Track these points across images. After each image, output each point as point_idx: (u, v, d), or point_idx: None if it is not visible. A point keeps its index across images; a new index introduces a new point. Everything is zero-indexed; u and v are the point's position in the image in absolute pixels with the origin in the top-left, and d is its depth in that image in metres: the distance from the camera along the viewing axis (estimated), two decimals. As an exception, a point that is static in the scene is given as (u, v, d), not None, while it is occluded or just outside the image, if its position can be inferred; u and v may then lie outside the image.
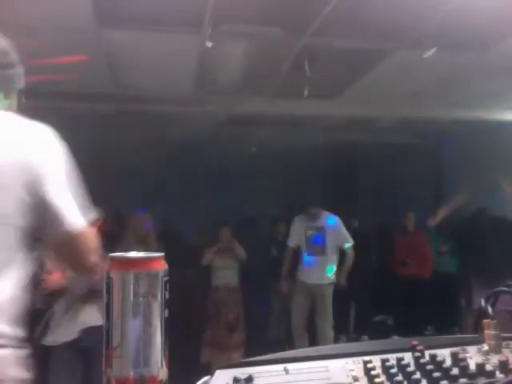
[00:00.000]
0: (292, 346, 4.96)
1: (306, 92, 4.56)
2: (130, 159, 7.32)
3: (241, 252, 5.07)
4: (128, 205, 5.87)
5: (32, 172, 1.13)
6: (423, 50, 3.84)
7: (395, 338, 3.93)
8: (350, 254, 5.24)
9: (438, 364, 0.89)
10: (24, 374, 1.14)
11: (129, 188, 7.07)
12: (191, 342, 4.77)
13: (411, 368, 0.89)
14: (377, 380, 0.86)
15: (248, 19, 3.50)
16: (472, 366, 0.88)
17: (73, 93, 4.78)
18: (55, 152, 1.19)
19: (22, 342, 1.16)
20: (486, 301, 1.08)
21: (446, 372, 0.86)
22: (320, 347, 1.13)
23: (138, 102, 5.20)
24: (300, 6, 3.25)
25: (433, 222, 5.42)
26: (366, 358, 0.94)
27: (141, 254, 0.76)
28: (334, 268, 5.20)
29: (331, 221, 5.25)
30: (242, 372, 0.90)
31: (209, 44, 3.59)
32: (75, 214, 1.19)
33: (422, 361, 0.91)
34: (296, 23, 3.54)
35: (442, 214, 5.23)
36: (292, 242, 5.24)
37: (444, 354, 0.94)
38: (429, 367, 0.87)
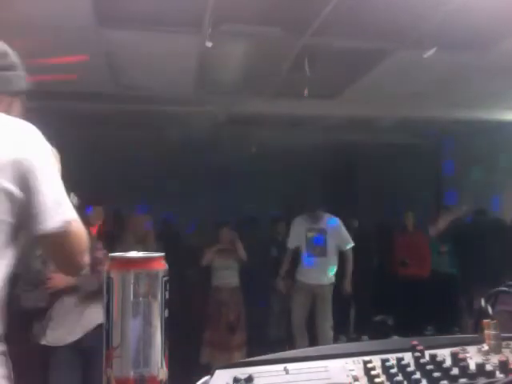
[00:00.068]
0: (292, 346, 4.96)
1: (306, 92, 4.56)
2: (130, 159, 7.33)
3: (242, 253, 5.05)
4: (128, 205, 5.87)
5: (21, 168, 1.12)
6: (423, 49, 3.84)
7: (395, 337, 3.92)
8: (350, 257, 5.25)
9: (437, 364, 0.89)
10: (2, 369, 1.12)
11: (129, 188, 7.07)
12: (191, 342, 4.77)
13: (411, 368, 0.89)
14: (377, 380, 0.86)
15: (248, 19, 3.50)
16: (472, 366, 0.88)
17: (73, 93, 4.78)
18: (43, 150, 1.19)
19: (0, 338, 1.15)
20: (486, 301, 1.08)
21: (445, 372, 0.86)
22: (320, 347, 1.13)
23: (137, 102, 5.20)
24: (300, 5, 3.24)
25: (434, 231, 5.43)
26: (366, 358, 0.94)
27: (141, 254, 0.76)
28: (335, 269, 5.21)
29: (332, 222, 5.25)
30: (242, 372, 0.90)
31: (209, 44, 3.59)
32: (61, 212, 1.17)
33: (421, 361, 0.91)
34: (296, 23, 3.54)
35: (442, 223, 5.23)
36: (291, 243, 5.23)
37: (444, 354, 0.94)
38: (429, 367, 0.87)
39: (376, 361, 0.93)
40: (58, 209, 1.17)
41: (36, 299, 2.76)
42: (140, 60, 4.25)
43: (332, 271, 5.19)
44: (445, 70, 4.43)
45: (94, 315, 2.77)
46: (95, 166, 6.71)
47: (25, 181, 1.13)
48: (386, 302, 6.13)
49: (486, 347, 1.01)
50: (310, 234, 5.16)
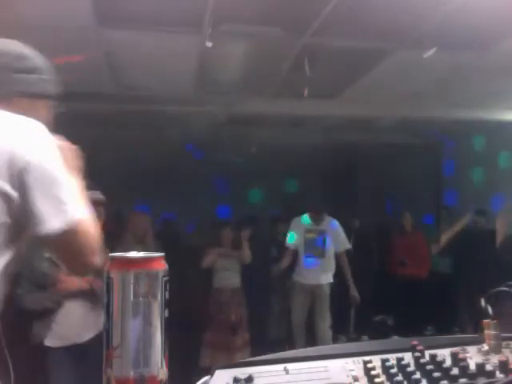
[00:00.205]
0: (292, 346, 4.97)
1: (306, 92, 4.56)
2: (130, 159, 7.32)
3: (248, 254, 5.03)
4: (127, 205, 5.87)
5: (18, 167, 1.11)
6: (423, 49, 3.83)
7: (395, 337, 3.93)
8: (346, 261, 5.29)
9: (437, 364, 0.90)
10: None
11: (128, 188, 7.07)
12: (191, 342, 4.76)
13: (411, 368, 0.89)
14: (377, 380, 0.86)
15: (248, 19, 3.49)
16: (472, 366, 0.88)
17: (73, 93, 4.77)
18: (43, 148, 1.17)
19: None
20: (486, 301, 1.08)
21: (445, 372, 0.86)
22: (320, 347, 1.13)
23: (137, 102, 5.20)
24: (300, 5, 3.24)
25: (436, 249, 5.45)
26: (366, 358, 0.94)
27: (141, 254, 0.76)
28: (333, 269, 5.24)
29: (331, 223, 5.28)
30: (242, 372, 0.90)
31: (209, 44, 3.59)
32: (64, 212, 1.14)
33: (421, 361, 0.91)
34: (296, 23, 3.53)
35: (444, 239, 5.23)
36: (290, 242, 5.25)
37: (444, 354, 0.94)
38: (429, 367, 0.87)
39: (376, 361, 0.93)
40: (61, 208, 1.14)
41: (39, 300, 2.76)
42: (140, 60, 4.24)
43: (330, 271, 5.22)
44: (445, 70, 4.43)
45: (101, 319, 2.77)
46: (95, 166, 6.69)
47: (21, 180, 1.11)
48: (385, 302, 6.13)
49: (485, 347, 1.01)
50: (309, 235, 5.18)
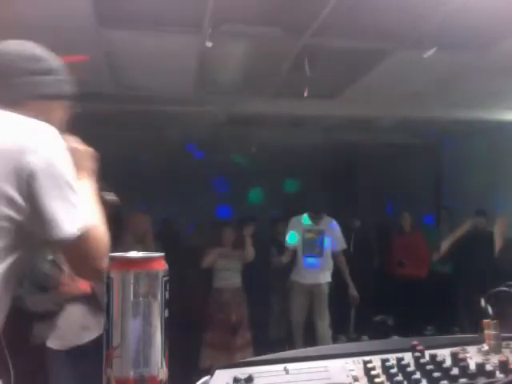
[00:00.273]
0: (292, 346, 4.97)
1: (305, 92, 4.56)
2: (130, 159, 7.32)
3: (251, 252, 5.01)
4: (127, 205, 5.86)
5: (26, 173, 1.09)
6: (423, 50, 3.84)
7: (395, 337, 3.93)
8: (343, 260, 5.34)
9: (438, 364, 0.90)
10: None
11: (128, 188, 7.07)
12: (191, 342, 4.76)
13: (411, 368, 0.89)
14: (377, 380, 0.86)
15: (248, 19, 3.49)
16: (472, 366, 0.88)
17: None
18: (53, 153, 1.14)
19: None
20: (486, 301, 1.08)
21: (446, 372, 0.86)
22: (320, 347, 1.13)
23: (137, 102, 5.20)
24: (300, 6, 3.24)
25: (437, 256, 5.44)
26: (366, 358, 0.94)
27: (141, 254, 0.76)
28: (331, 268, 5.26)
29: (330, 223, 5.30)
30: (242, 372, 0.90)
31: (209, 44, 3.59)
32: (74, 218, 1.13)
33: (422, 361, 0.91)
34: (296, 23, 3.53)
35: (445, 245, 5.22)
36: (289, 242, 5.27)
37: (444, 354, 0.94)
38: (429, 367, 0.87)
39: (376, 361, 0.93)
40: (73, 213, 1.13)
41: (41, 302, 2.76)
42: (140, 60, 4.24)
43: (329, 271, 5.25)
44: (445, 70, 4.43)
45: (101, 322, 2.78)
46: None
47: (31, 186, 1.09)
48: (385, 302, 6.13)
49: (485, 347, 1.01)
50: (308, 235, 5.20)
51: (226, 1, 3.14)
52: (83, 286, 2.81)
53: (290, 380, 0.90)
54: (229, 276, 5.04)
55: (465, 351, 0.99)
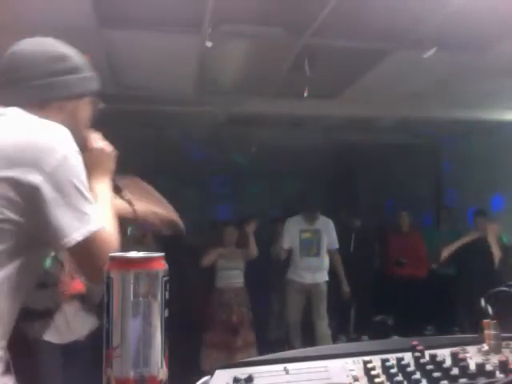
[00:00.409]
0: (291, 346, 4.98)
1: (305, 92, 4.56)
2: (130, 159, 7.30)
3: (254, 249, 5.00)
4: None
5: (30, 178, 1.07)
6: (423, 50, 3.84)
7: (395, 337, 3.93)
8: (338, 259, 5.40)
9: (437, 364, 0.90)
10: None
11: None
12: (192, 342, 4.75)
13: (411, 368, 0.89)
14: (377, 380, 0.86)
15: (248, 19, 3.49)
16: (472, 366, 0.88)
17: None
18: (62, 157, 1.12)
19: None
20: (486, 301, 1.08)
21: (446, 372, 0.86)
22: (320, 347, 1.13)
23: (138, 102, 5.20)
24: (300, 6, 3.24)
25: (437, 262, 5.43)
26: (366, 358, 0.94)
27: (141, 254, 0.76)
28: (327, 267, 5.31)
29: (325, 222, 5.34)
30: (241, 372, 0.90)
31: (209, 44, 3.59)
32: (84, 224, 1.11)
33: (422, 361, 0.91)
34: (296, 23, 3.54)
35: (446, 253, 5.20)
36: (286, 243, 5.28)
37: (444, 354, 0.94)
38: (429, 367, 0.87)
39: (376, 361, 0.93)
40: (82, 219, 1.12)
41: (41, 299, 2.76)
42: (140, 60, 4.25)
43: (326, 269, 5.29)
44: (445, 71, 4.43)
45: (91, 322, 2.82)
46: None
47: (35, 195, 1.07)
48: (385, 302, 6.13)
49: (485, 347, 1.01)
50: (305, 235, 5.24)
51: (226, 1, 3.14)
52: (78, 285, 2.83)
53: (289, 380, 0.90)
54: (232, 275, 5.01)
55: (465, 351, 0.99)
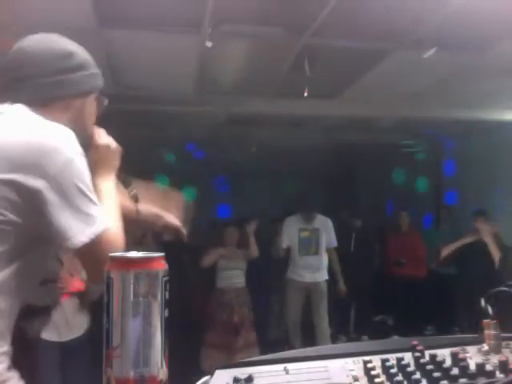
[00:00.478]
0: (291, 346, 4.98)
1: (305, 92, 4.56)
2: (130, 159, 7.31)
3: (255, 250, 5.00)
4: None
5: (33, 180, 1.06)
6: (423, 50, 3.84)
7: (395, 337, 3.93)
8: (335, 259, 5.42)
9: (437, 364, 0.90)
10: None
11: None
12: (192, 342, 4.74)
13: (411, 368, 0.89)
14: (377, 380, 0.86)
15: (248, 19, 3.49)
16: (472, 366, 0.88)
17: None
18: (66, 159, 1.11)
19: None
20: (486, 301, 1.08)
21: (446, 372, 0.86)
22: (320, 347, 1.13)
23: (138, 102, 5.20)
24: (300, 6, 3.24)
25: (437, 261, 5.41)
26: (366, 358, 0.94)
27: (141, 254, 0.76)
28: (326, 266, 5.33)
29: (323, 221, 5.36)
30: (241, 372, 0.90)
31: (209, 44, 3.59)
32: (88, 226, 1.11)
33: (422, 361, 0.91)
34: (296, 23, 3.53)
35: (445, 252, 5.18)
36: (285, 243, 5.30)
37: (444, 354, 0.94)
38: (429, 367, 0.87)
39: (376, 361, 0.93)
40: (87, 221, 1.11)
41: (40, 296, 2.76)
42: (140, 60, 4.24)
43: (325, 268, 5.31)
44: (445, 71, 4.43)
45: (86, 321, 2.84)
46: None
47: (38, 197, 1.07)
48: (385, 302, 6.13)
49: (485, 347, 1.01)
50: (304, 234, 5.26)
51: (226, 1, 3.14)
52: (78, 283, 2.83)
53: (289, 380, 0.90)
54: (233, 276, 5.00)
55: (465, 351, 0.99)
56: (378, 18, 3.37)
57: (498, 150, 6.27)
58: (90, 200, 1.14)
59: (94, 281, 1.26)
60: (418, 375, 0.86)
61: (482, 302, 1.08)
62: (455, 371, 0.86)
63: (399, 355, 0.93)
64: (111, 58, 4.10)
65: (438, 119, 6.12)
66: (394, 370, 0.88)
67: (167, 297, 0.76)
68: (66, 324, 2.86)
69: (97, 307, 2.73)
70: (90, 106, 1.36)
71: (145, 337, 0.73)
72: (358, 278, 5.76)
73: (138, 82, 4.78)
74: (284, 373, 0.93)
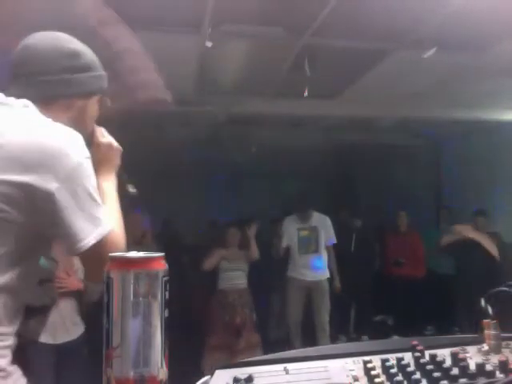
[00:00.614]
0: (292, 345, 4.98)
1: (305, 92, 4.56)
2: (130, 159, 7.30)
3: (255, 251, 4.99)
4: (127, 205, 5.85)
5: (43, 183, 1.06)
6: (423, 50, 3.84)
7: (395, 337, 3.93)
8: (333, 257, 5.43)
9: (437, 364, 0.90)
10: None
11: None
12: (192, 342, 4.74)
13: (411, 368, 0.89)
14: (377, 380, 0.86)
15: (248, 19, 3.49)
16: (472, 366, 0.88)
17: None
18: (74, 163, 1.11)
19: None
20: (486, 301, 1.08)
21: (446, 372, 0.86)
22: (320, 347, 1.13)
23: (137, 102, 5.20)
24: (300, 6, 3.24)
25: (438, 249, 5.38)
26: (366, 358, 0.94)
27: (141, 254, 0.76)
28: (326, 263, 5.34)
29: (322, 219, 5.37)
30: (242, 372, 0.90)
31: (209, 44, 3.59)
32: (94, 228, 1.12)
33: (422, 361, 0.91)
34: (296, 23, 3.54)
35: (445, 241, 5.15)
36: (284, 242, 5.31)
37: (444, 354, 0.94)
38: (429, 367, 0.87)
39: (376, 361, 0.93)
40: (95, 223, 1.13)
41: (37, 295, 2.76)
42: (140, 60, 4.24)
43: (325, 266, 5.32)
44: (445, 71, 4.43)
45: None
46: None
47: (48, 200, 1.07)
48: (385, 302, 6.13)
49: (485, 347, 1.01)
50: (303, 233, 5.27)
51: (226, 1, 3.14)
52: (75, 282, 2.83)
53: (290, 380, 0.90)
54: (235, 277, 4.97)
55: (465, 351, 0.99)
56: (378, 18, 3.37)
57: (498, 150, 6.26)
58: (97, 202, 1.16)
59: (94, 280, 1.27)
60: (418, 375, 0.86)
61: (482, 302, 1.08)
62: (455, 371, 0.86)
63: (399, 355, 0.93)
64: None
65: (437, 119, 6.12)
66: (394, 370, 0.88)
67: (167, 297, 0.76)
68: (63, 325, 2.84)
69: (95, 308, 2.73)
70: (92, 107, 1.36)
71: (145, 337, 0.73)
72: (358, 277, 5.76)
73: (138, 82, 4.78)
74: (284, 373, 0.93)
